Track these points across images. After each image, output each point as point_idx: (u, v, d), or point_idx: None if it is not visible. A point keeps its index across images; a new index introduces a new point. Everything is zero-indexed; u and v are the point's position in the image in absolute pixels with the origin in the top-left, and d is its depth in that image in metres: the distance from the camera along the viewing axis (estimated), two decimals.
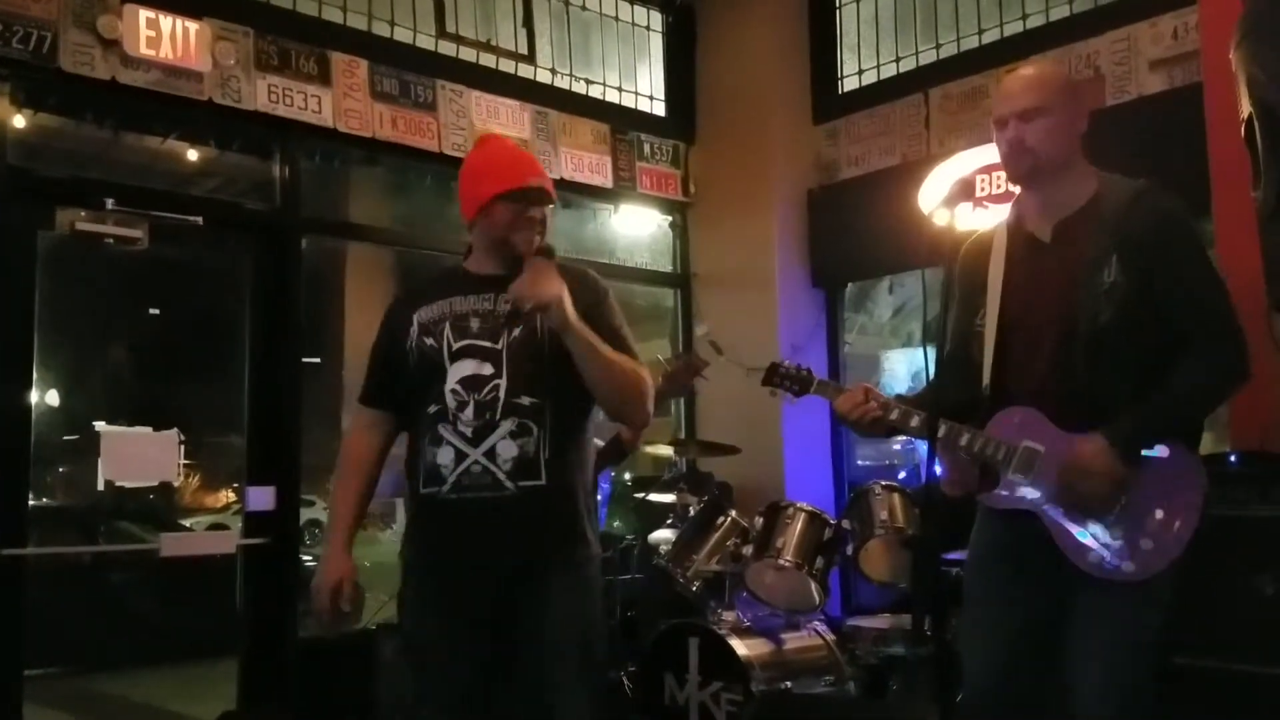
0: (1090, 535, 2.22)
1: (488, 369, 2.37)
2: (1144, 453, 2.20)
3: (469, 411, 2.35)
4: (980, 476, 2.35)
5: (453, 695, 2.37)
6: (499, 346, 2.38)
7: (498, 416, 2.33)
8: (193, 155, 4.63)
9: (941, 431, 2.28)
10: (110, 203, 4.01)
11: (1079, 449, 2.19)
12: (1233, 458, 3.20)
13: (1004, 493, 2.30)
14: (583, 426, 2.47)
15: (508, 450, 2.32)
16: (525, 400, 2.34)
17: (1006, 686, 2.31)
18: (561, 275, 2.38)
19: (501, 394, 2.34)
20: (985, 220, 2.78)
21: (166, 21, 4.04)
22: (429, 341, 2.43)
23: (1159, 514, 2.19)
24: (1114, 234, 2.24)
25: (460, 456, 2.34)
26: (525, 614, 2.34)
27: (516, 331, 2.39)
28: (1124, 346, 2.21)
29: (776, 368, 2.66)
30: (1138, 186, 2.32)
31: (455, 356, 2.40)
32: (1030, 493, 2.27)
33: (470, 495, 2.33)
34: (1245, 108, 2.84)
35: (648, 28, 5.92)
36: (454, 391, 2.37)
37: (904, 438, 2.68)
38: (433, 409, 2.39)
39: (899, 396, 2.50)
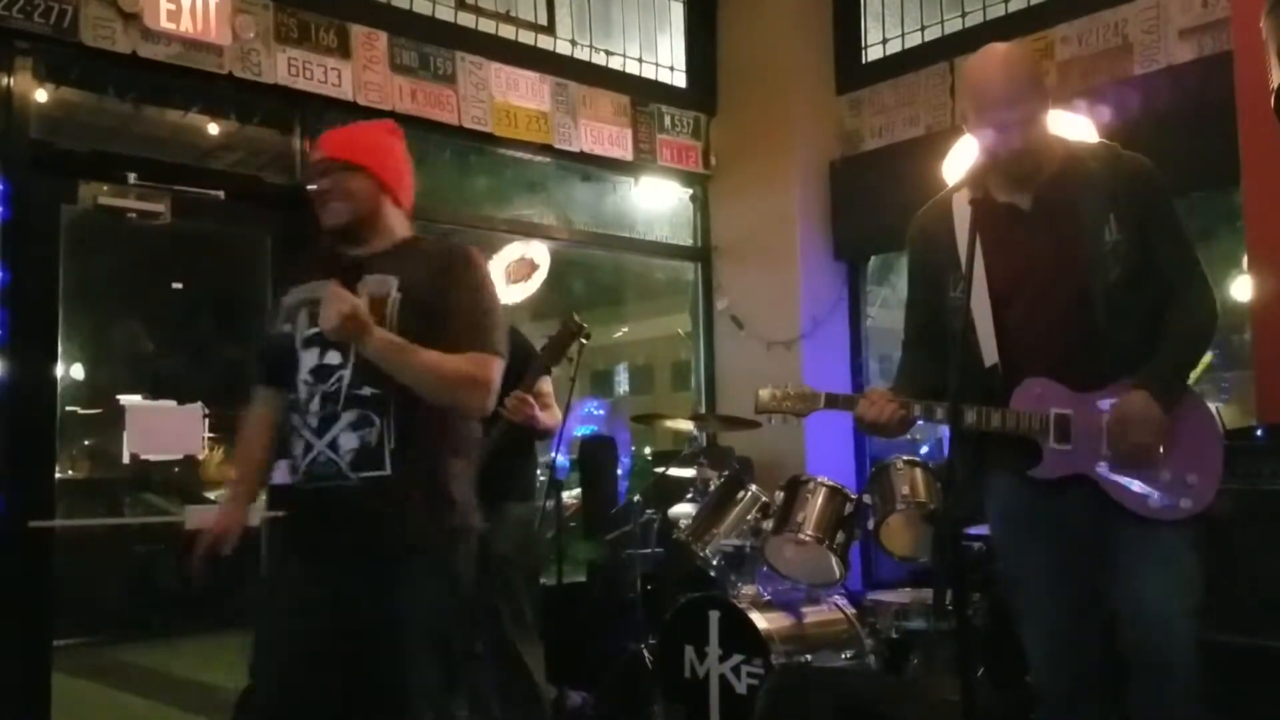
0: (1142, 483, 2.29)
1: (335, 358, 2.32)
2: None
3: (315, 403, 2.33)
4: (1020, 453, 2.36)
5: (283, 665, 2.34)
6: None
7: (339, 408, 2.31)
8: (213, 129, 4.64)
9: (970, 418, 2.30)
10: (132, 177, 4.02)
11: (1126, 404, 2.26)
12: (1259, 431, 3.17)
13: (1051, 462, 2.33)
14: (440, 410, 2.36)
15: (349, 442, 2.29)
16: (367, 391, 2.29)
17: (1076, 649, 2.37)
18: (424, 255, 2.39)
19: (344, 385, 2.30)
20: None
21: None
22: (287, 328, 2.41)
23: (1193, 448, 2.30)
24: (1105, 194, 2.32)
25: (308, 448, 2.33)
26: (376, 603, 2.30)
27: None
28: (1134, 300, 2.31)
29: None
30: (1107, 148, 2.43)
31: (306, 344, 2.37)
32: (1077, 456, 2.31)
33: (319, 485, 2.33)
34: (1276, 77, 2.80)
35: None
36: (305, 381, 2.35)
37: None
38: (291, 398, 2.39)
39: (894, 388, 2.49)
